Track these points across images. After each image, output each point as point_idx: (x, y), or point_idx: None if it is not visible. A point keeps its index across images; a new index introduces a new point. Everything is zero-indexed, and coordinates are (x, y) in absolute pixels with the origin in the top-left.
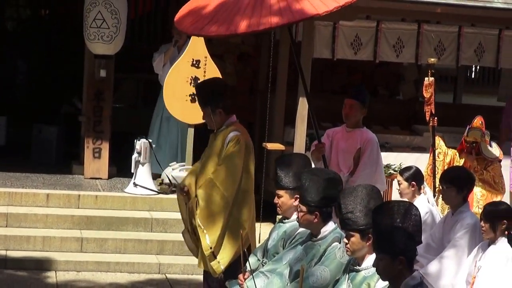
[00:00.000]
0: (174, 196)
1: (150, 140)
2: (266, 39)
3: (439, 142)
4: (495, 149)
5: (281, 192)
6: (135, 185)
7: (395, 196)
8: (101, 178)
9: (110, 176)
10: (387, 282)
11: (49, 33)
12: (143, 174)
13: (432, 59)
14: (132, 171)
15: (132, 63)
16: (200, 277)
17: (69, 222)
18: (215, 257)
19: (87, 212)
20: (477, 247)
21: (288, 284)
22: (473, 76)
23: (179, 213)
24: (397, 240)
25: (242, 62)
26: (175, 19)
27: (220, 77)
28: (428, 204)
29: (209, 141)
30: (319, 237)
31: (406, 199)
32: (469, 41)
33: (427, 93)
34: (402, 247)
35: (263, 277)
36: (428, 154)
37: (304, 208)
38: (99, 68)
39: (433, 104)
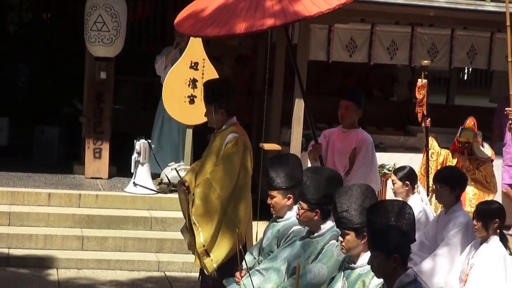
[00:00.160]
0: (173, 195)
1: (150, 141)
2: (263, 42)
3: (432, 142)
4: (487, 149)
5: (274, 193)
6: (135, 184)
7: (389, 195)
8: (101, 178)
9: (110, 176)
10: (381, 280)
11: (50, 36)
12: (142, 174)
13: (426, 61)
14: (132, 171)
15: (131, 66)
16: (198, 275)
17: (70, 220)
18: (208, 255)
19: (88, 211)
20: (469, 245)
21: (285, 279)
22: (465, 78)
23: (178, 212)
24: (391, 238)
25: (240, 64)
26: (175, 21)
27: (229, 79)
28: (422, 203)
29: (209, 141)
30: (317, 234)
31: (400, 198)
32: (461, 43)
33: (420, 94)
34: (396, 245)
35: (259, 275)
36: (422, 154)
37: (305, 206)
38: (100, 70)
39: (425, 105)
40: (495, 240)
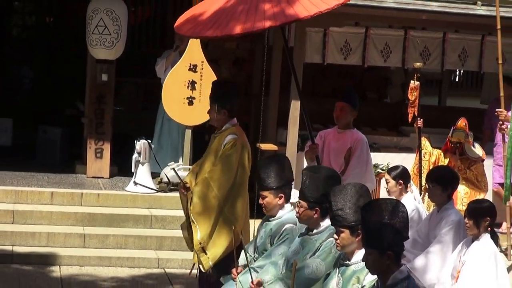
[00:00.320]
0: (173, 194)
1: (150, 141)
2: (260, 45)
3: (425, 142)
4: (478, 150)
5: (265, 193)
6: (135, 183)
7: (383, 194)
8: (102, 177)
9: (112, 175)
10: (375, 276)
11: (53, 39)
12: (143, 173)
13: (418, 64)
14: (132, 170)
15: (132, 67)
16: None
17: (72, 219)
18: (205, 252)
19: (90, 210)
20: (461, 242)
21: (282, 272)
22: (457, 80)
23: (177, 211)
24: (385, 236)
25: (237, 66)
26: (175, 25)
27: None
28: (415, 202)
29: (209, 142)
30: (316, 231)
31: (393, 197)
32: (453, 46)
33: (412, 96)
34: (390, 243)
35: (254, 273)
36: (414, 154)
37: (304, 204)
38: (101, 72)
39: (417, 106)
40: (486, 237)
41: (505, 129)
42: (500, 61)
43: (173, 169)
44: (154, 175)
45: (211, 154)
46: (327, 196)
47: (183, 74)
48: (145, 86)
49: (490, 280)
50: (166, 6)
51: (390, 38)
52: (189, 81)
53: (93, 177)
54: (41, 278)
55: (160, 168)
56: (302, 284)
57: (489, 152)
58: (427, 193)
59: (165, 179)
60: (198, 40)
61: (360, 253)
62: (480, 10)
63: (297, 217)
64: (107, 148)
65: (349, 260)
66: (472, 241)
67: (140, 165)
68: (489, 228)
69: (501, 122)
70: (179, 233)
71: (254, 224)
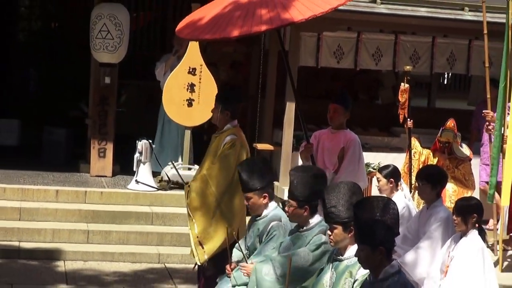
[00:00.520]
0: (173, 192)
1: (151, 141)
2: (257, 49)
3: (415, 142)
4: (465, 150)
5: (250, 195)
6: (137, 182)
7: (374, 192)
8: (105, 176)
9: (114, 174)
10: (367, 270)
11: (58, 43)
12: (144, 172)
13: (408, 67)
14: (134, 169)
15: (134, 70)
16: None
17: (76, 216)
18: (202, 246)
19: (93, 207)
20: (450, 238)
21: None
22: (445, 82)
23: (177, 208)
24: (377, 232)
25: (234, 69)
26: (176, 29)
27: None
28: (405, 200)
29: (210, 141)
30: (306, 228)
31: (384, 195)
32: (441, 50)
33: (402, 98)
34: (382, 239)
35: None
36: (405, 154)
37: (294, 203)
38: (104, 75)
39: (407, 108)
40: (474, 234)
41: (492, 130)
42: (486, 65)
43: (174, 167)
44: (155, 174)
45: (210, 153)
46: (315, 194)
47: (183, 77)
48: (146, 88)
49: (478, 274)
50: (166, 12)
51: (381, 43)
52: (188, 83)
53: (96, 176)
54: (46, 273)
55: (160, 167)
56: (293, 274)
57: (476, 152)
58: (417, 191)
59: (166, 178)
60: (197, 44)
61: (352, 249)
62: (468, 15)
63: (287, 216)
64: (110, 148)
65: (342, 256)
66: (461, 237)
67: (141, 164)
68: (477, 225)
69: (487, 123)
70: (179, 229)
71: None
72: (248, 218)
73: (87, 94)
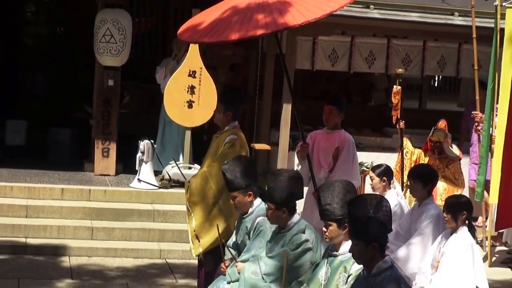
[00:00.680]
0: (174, 190)
1: (152, 141)
2: (254, 52)
3: (407, 142)
4: (455, 150)
5: (235, 193)
6: (139, 180)
7: (367, 190)
8: (109, 175)
9: (117, 173)
10: (361, 266)
11: (63, 47)
12: (146, 171)
13: (400, 70)
14: (137, 168)
15: (136, 73)
16: (196, 262)
17: (81, 213)
18: (198, 240)
19: (97, 205)
20: (440, 235)
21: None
22: (436, 85)
23: (178, 205)
24: (370, 229)
25: (233, 72)
26: (178, 32)
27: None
28: (397, 197)
29: (211, 141)
30: (286, 229)
31: (377, 193)
32: (432, 53)
33: (395, 99)
34: (375, 235)
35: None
36: (397, 153)
37: (272, 206)
38: (108, 78)
39: (399, 109)
40: (463, 230)
41: (481, 130)
42: (475, 67)
43: (176, 164)
44: (157, 172)
45: (211, 152)
46: (292, 195)
47: (183, 79)
48: (148, 90)
49: (468, 269)
50: (167, 17)
51: (374, 46)
52: (188, 86)
53: (100, 175)
54: (52, 268)
55: (162, 166)
56: (276, 272)
57: (466, 152)
58: (408, 189)
59: (167, 177)
60: (197, 48)
61: (347, 245)
62: (457, 20)
63: (267, 218)
64: (113, 148)
65: (337, 251)
66: (451, 234)
67: (143, 163)
68: (467, 222)
69: (476, 124)
70: (179, 226)
71: None
72: None
73: (91, 96)
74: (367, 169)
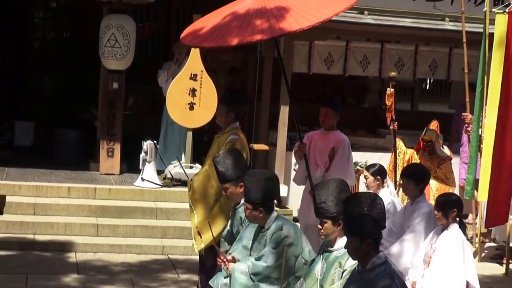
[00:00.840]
0: (176, 189)
1: (155, 142)
2: (253, 56)
3: (399, 143)
4: (446, 150)
5: (227, 185)
6: (143, 179)
7: (362, 189)
8: (113, 174)
9: (122, 172)
10: (355, 261)
11: (70, 51)
12: (149, 170)
13: (393, 73)
14: (140, 167)
15: (139, 76)
16: (198, 258)
17: (87, 210)
18: (200, 236)
19: (102, 202)
20: (432, 231)
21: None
22: (427, 87)
23: (180, 203)
24: (365, 226)
25: (233, 75)
26: (181, 36)
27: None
28: (391, 196)
29: (213, 141)
30: (266, 227)
31: (372, 191)
32: (424, 57)
33: (389, 101)
34: (369, 231)
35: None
36: (390, 153)
37: (249, 206)
38: (112, 81)
39: (393, 111)
40: (454, 227)
41: (470, 131)
42: (466, 71)
43: (179, 163)
44: (159, 172)
45: (213, 151)
46: (269, 195)
47: (185, 82)
48: (151, 93)
49: (458, 264)
50: (169, 22)
51: (368, 51)
52: (190, 88)
53: (105, 174)
54: (59, 263)
55: (164, 165)
56: (263, 271)
57: (456, 152)
58: (401, 188)
59: (169, 176)
60: (198, 52)
61: (341, 241)
62: (448, 25)
63: (246, 217)
64: (117, 148)
65: (332, 247)
66: (442, 230)
67: (147, 163)
68: (458, 219)
69: (467, 125)
70: (181, 223)
71: None
72: None
73: (96, 98)
74: (361, 169)
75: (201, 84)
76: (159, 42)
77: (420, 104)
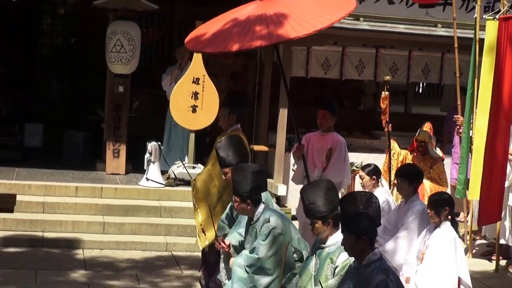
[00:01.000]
0: (179, 188)
1: (159, 143)
2: (253, 61)
3: (394, 144)
4: (438, 151)
5: (227, 170)
6: (147, 179)
7: (357, 188)
8: (119, 174)
9: (127, 172)
10: (346, 256)
11: (77, 56)
12: (153, 170)
13: (388, 77)
14: (145, 168)
15: (144, 80)
16: (200, 254)
17: (93, 209)
18: (204, 233)
19: (108, 201)
20: (425, 229)
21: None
22: (420, 91)
23: (183, 202)
24: (361, 223)
25: (234, 79)
26: (185, 41)
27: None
28: (385, 194)
29: (215, 142)
30: (254, 220)
31: (367, 190)
32: (417, 62)
33: (383, 104)
34: (365, 229)
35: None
36: (385, 154)
37: (237, 199)
38: (118, 85)
39: (388, 113)
40: (446, 225)
41: (462, 133)
42: (457, 75)
43: (183, 164)
44: (163, 172)
45: (215, 153)
46: (256, 188)
47: (188, 86)
48: (155, 96)
49: (450, 260)
50: (173, 28)
51: (363, 55)
52: (192, 92)
53: (111, 174)
54: (67, 260)
55: (168, 166)
56: (256, 263)
57: (448, 153)
58: (395, 187)
59: (173, 176)
60: (201, 57)
61: (333, 238)
62: (440, 31)
63: (235, 209)
64: (123, 149)
65: (324, 244)
66: (435, 228)
67: (151, 163)
68: (450, 217)
69: (458, 127)
70: (184, 221)
71: None
72: None
73: (103, 101)
74: (357, 169)
75: (203, 87)
76: (163, 47)
77: (413, 107)
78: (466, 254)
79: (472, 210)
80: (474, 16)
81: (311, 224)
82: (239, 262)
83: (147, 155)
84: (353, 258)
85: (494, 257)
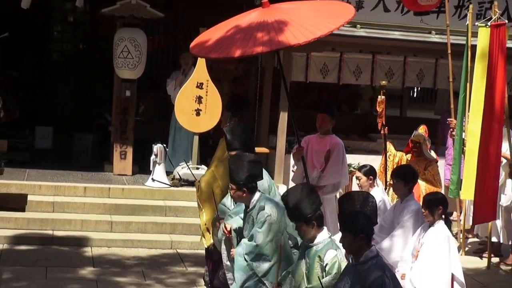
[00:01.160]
0: (183, 188)
1: (165, 145)
2: (254, 66)
3: (389, 146)
4: (433, 153)
5: (232, 153)
6: (153, 180)
7: (354, 188)
8: (126, 175)
9: (134, 173)
10: (334, 253)
11: (86, 62)
12: (159, 171)
13: (384, 82)
14: (151, 169)
15: (150, 85)
16: (204, 252)
17: (101, 208)
18: (209, 232)
19: (116, 201)
20: (420, 227)
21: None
22: (415, 95)
23: (187, 202)
24: (358, 222)
25: (236, 84)
26: (190, 47)
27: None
28: (382, 194)
29: (218, 144)
30: (250, 207)
31: (364, 190)
32: (412, 67)
33: (380, 108)
34: (362, 227)
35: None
36: (381, 156)
37: (234, 187)
38: (125, 89)
39: (384, 117)
40: (440, 224)
41: (455, 135)
42: (450, 79)
43: (187, 165)
44: (168, 173)
45: (218, 153)
46: (252, 177)
47: (192, 90)
48: (160, 100)
49: (444, 258)
50: (177, 35)
51: (360, 61)
52: (196, 96)
53: (118, 175)
54: (76, 257)
55: (173, 167)
56: (253, 250)
57: (442, 154)
58: (391, 187)
59: (177, 176)
60: (204, 63)
61: (319, 236)
62: (434, 38)
63: (231, 196)
64: (129, 151)
65: (312, 242)
66: (429, 227)
67: (157, 164)
68: (443, 216)
69: (451, 129)
70: (189, 220)
71: None
72: None
73: (110, 105)
74: (354, 170)
75: (206, 92)
76: (168, 53)
77: (408, 110)
78: (459, 251)
79: (464, 209)
80: (466, 23)
81: (296, 227)
82: (239, 252)
83: (152, 157)
84: (341, 254)
85: (486, 255)
